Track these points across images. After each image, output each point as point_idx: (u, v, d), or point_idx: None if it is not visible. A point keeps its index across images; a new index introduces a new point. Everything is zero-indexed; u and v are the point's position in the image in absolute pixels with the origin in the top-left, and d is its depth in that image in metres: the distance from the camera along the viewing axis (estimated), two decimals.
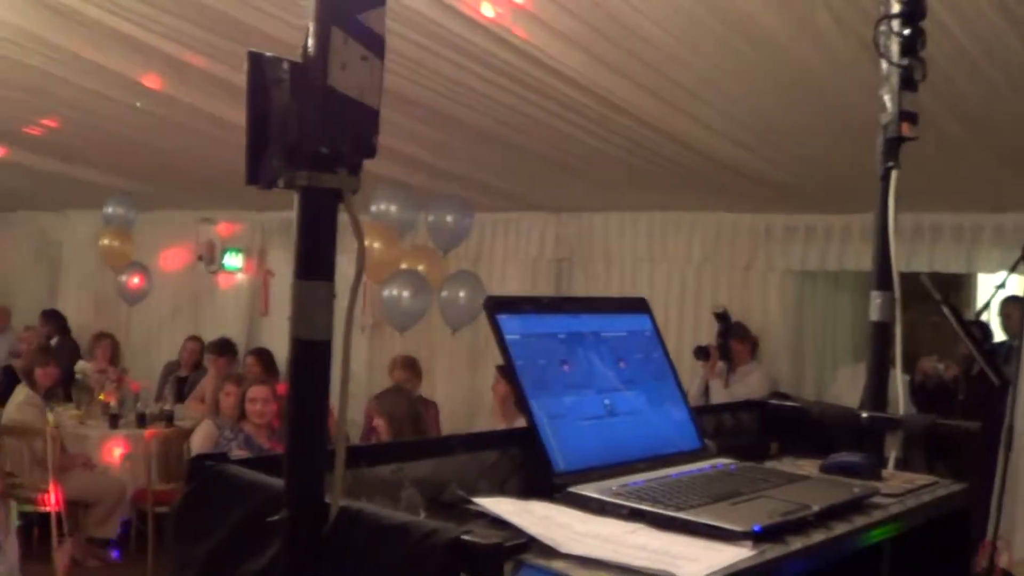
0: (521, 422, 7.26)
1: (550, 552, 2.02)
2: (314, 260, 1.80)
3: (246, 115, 1.81)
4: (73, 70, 7.94)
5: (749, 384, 9.66)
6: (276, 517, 1.80)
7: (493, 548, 1.68)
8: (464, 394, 11.38)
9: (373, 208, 9.18)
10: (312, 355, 1.80)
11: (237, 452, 8.24)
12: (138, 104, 8.49)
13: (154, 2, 6.44)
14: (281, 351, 11.23)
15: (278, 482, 1.89)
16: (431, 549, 1.68)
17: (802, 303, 10.36)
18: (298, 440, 1.79)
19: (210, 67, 7.36)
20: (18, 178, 12.78)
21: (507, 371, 2.60)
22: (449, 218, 9.78)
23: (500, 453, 2.63)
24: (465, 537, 1.68)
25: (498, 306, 2.66)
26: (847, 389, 9.17)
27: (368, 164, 1.85)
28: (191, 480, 2.07)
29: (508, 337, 2.63)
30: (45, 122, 9.80)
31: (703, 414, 3.27)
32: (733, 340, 9.83)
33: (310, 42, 1.75)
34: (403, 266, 9.55)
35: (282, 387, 9.27)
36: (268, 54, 1.82)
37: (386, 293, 9.26)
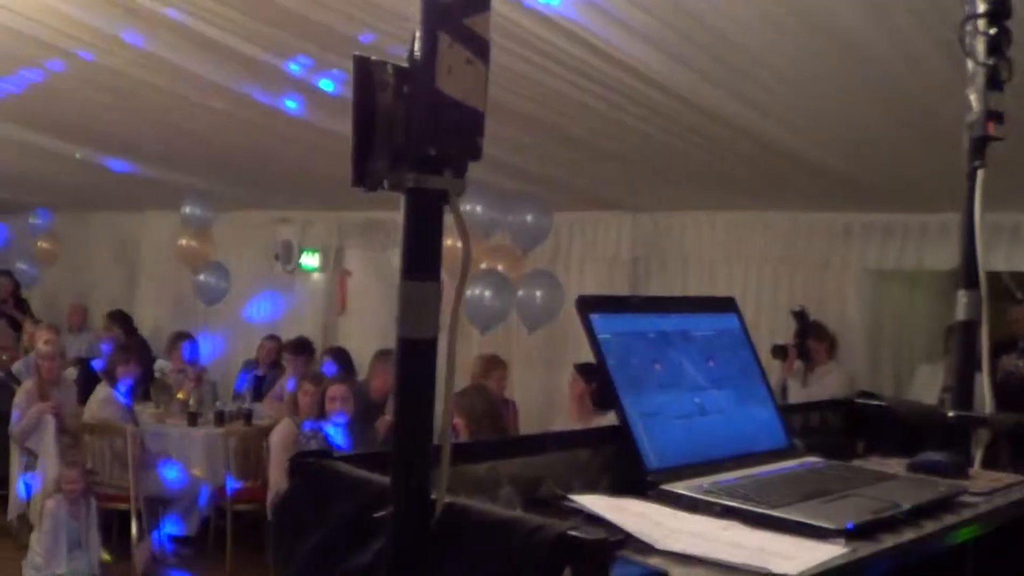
0: (597, 422, 7.32)
1: (647, 548, 2.04)
2: (421, 260, 1.82)
3: (352, 118, 1.84)
4: (152, 71, 8.01)
5: (827, 384, 9.60)
6: (382, 513, 1.82)
7: (599, 544, 1.69)
8: (540, 393, 11.39)
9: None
10: (418, 353, 1.82)
11: (315, 450, 8.31)
12: (218, 106, 8.55)
13: (231, 3, 6.50)
14: (358, 350, 11.30)
15: (382, 478, 1.91)
16: (538, 545, 1.70)
17: (879, 302, 10.29)
18: (405, 437, 1.82)
19: (287, 67, 7.40)
20: (97, 179, 12.91)
21: (599, 370, 2.61)
22: (529, 218, 9.79)
23: (592, 451, 2.64)
24: (572, 532, 1.70)
25: (590, 305, 2.68)
26: (926, 388, 9.13)
27: None
28: (293, 476, 2.09)
29: (600, 336, 2.64)
30: (125, 123, 9.89)
31: (789, 413, 3.27)
32: (811, 339, 9.77)
33: (417, 46, 1.77)
34: (483, 266, 9.57)
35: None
36: (373, 58, 1.84)
37: (468, 293, 9.30)
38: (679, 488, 2.47)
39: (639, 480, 2.53)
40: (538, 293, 9.92)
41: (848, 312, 10.17)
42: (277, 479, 9.14)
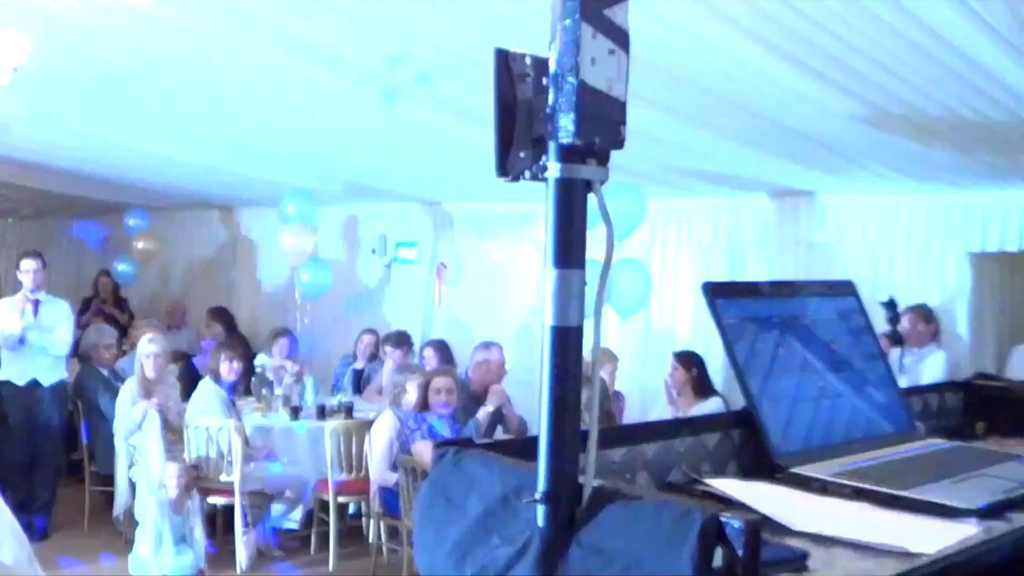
0: (698, 409, 7.33)
1: (783, 530, 2.06)
2: (567, 249, 1.84)
3: (494, 110, 1.86)
4: (255, 71, 8.09)
5: (929, 367, 9.53)
6: (531, 498, 1.85)
7: (751, 525, 1.71)
8: (635, 382, 11.37)
9: None
10: (566, 341, 1.84)
11: (420, 441, 8.37)
12: (313, 102, 8.62)
13: (329, 3, 6.54)
14: (456, 342, 11.35)
15: (527, 464, 1.94)
16: (689, 527, 1.72)
17: (980, 284, 10.17)
18: (554, 423, 1.84)
19: (381, 65, 7.44)
20: (194, 178, 13.05)
21: (727, 354, 2.63)
22: (623, 204, 9.75)
23: (721, 435, 2.66)
24: (723, 514, 1.72)
25: (716, 291, 2.70)
26: (1020, 371, 9.05)
27: None
28: (436, 464, 2.12)
29: (726, 321, 2.67)
30: (225, 123, 9.99)
31: (909, 395, 3.27)
32: (918, 321, 9.69)
33: (559, 38, 1.80)
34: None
35: None
36: (513, 50, 1.87)
37: None
38: (808, 471, 2.49)
39: (767, 464, 2.55)
40: (628, 282, 9.88)
41: (948, 295, 10.06)
42: (380, 471, 9.20)
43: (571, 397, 1.85)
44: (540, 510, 1.85)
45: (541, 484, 1.85)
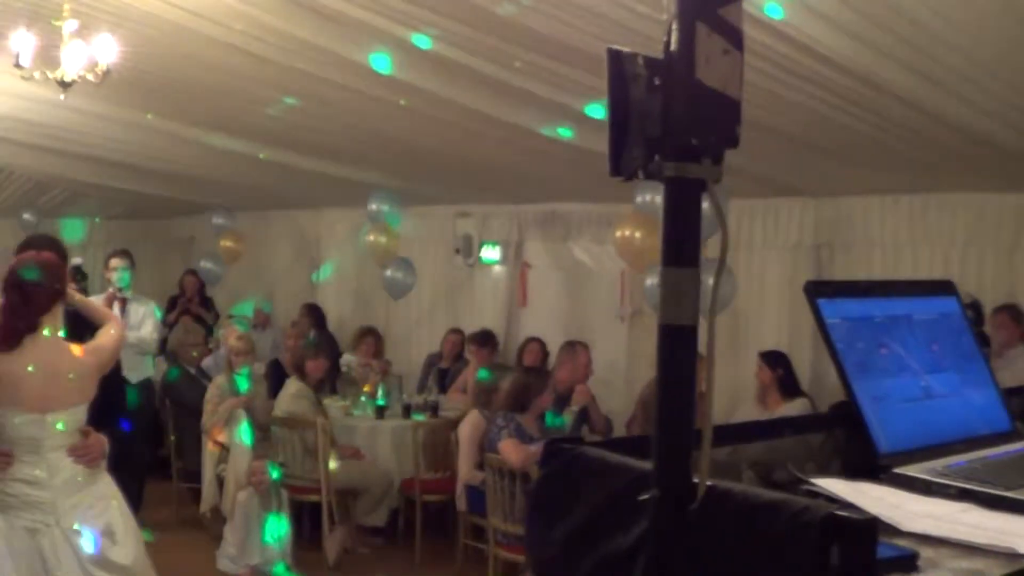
0: (784, 410, 7.28)
1: (891, 530, 2.05)
2: (681, 248, 1.85)
3: (608, 109, 1.87)
4: (338, 70, 8.14)
5: (1017, 368, 9.42)
6: (645, 496, 1.86)
7: (867, 524, 1.71)
8: (720, 382, 11.29)
9: (638, 199, 9.21)
10: (679, 339, 1.85)
11: (507, 440, 8.39)
12: (402, 102, 8.65)
13: (424, 2, 6.58)
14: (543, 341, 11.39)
15: (638, 463, 1.95)
16: (805, 525, 1.72)
17: None
18: (667, 421, 1.85)
19: (471, 62, 7.46)
20: (279, 178, 13.15)
21: (829, 354, 2.62)
22: (706, 205, 9.68)
23: (825, 435, 2.66)
24: (839, 513, 1.72)
25: (818, 290, 2.69)
26: None
27: None
28: (547, 462, 2.13)
29: (828, 321, 2.65)
30: (309, 123, 10.06)
31: (1009, 395, 3.25)
32: (1008, 321, 9.57)
33: (674, 37, 1.80)
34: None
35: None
36: (626, 50, 1.88)
37: (649, 282, 9.28)
38: (912, 471, 2.48)
39: (871, 463, 2.54)
40: (710, 281, 9.79)
41: None
42: (466, 470, 9.23)
43: (684, 396, 1.86)
44: (654, 508, 1.86)
45: (655, 482, 1.86)
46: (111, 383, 5.65)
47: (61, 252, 5.73)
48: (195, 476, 11.14)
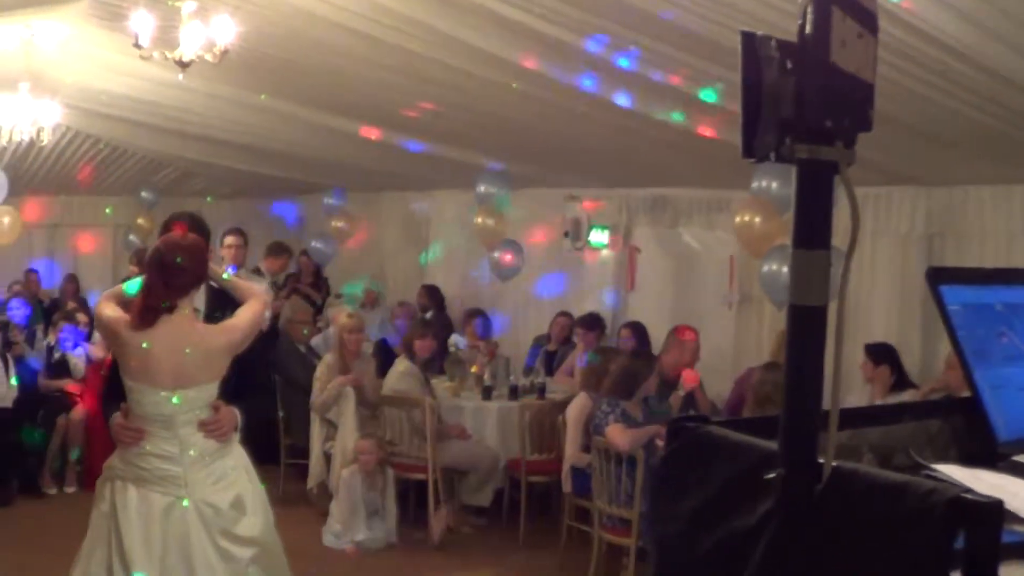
0: (895, 400, 7.15)
1: (1012, 517, 2.04)
2: (812, 230, 1.86)
3: (741, 92, 1.88)
4: (451, 52, 8.17)
5: None
6: (771, 475, 1.87)
7: (993, 507, 1.71)
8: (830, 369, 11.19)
9: (754, 185, 9.15)
10: (810, 321, 1.86)
11: (613, 425, 8.41)
12: (515, 85, 8.67)
13: None
14: (648, 326, 11.34)
15: (764, 443, 1.96)
16: (931, 507, 1.73)
17: None
18: (795, 402, 1.86)
19: (581, 43, 7.45)
20: (390, 160, 13.23)
21: (950, 341, 2.61)
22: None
23: (942, 422, 2.65)
24: (967, 496, 1.72)
25: (940, 276, 2.68)
26: None
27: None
28: (672, 440, 2.15)
29: (949, 307, 2.64)
30: (422, 104, 10.12)
31: None
32: None
33: (808, 21, 1.81)
34: (781, 242, 9.44)
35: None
36: (759, 33, 1.89)
37: (765, 268, 9.23)
38: None
39: (989, 451, 2.53)
40: (785, 269, 9.71)
41: None
42: (572, 452, 9.26)
43: (813, 377, 1.87)
44: (780, 487, 1.87)
45: (781, 461, 1.87)
46: (247, 359, 5.73)
47: (204, 231, 5.80)
48: (303, 453, 11.25)
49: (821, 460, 1.89)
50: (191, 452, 5.22)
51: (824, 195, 1.86)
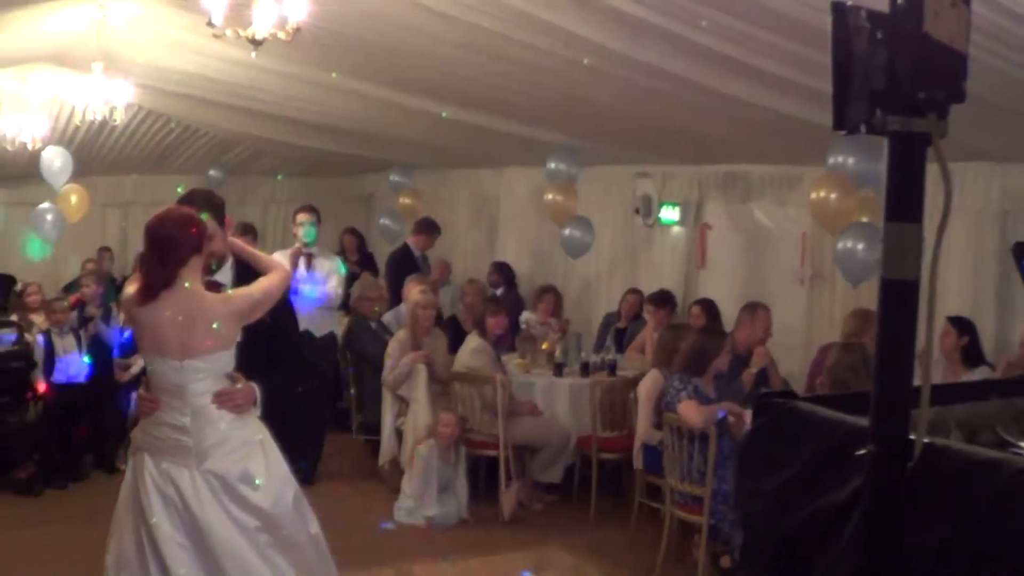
0: (965, 379, 7.09)
1: None
2: (905, 203, 1.84)
3: (832, 63, 1.86)
4: (521, 28, 8.14)
5: None
6: (862, 451, 1.85)
7: None
8: None
9: (831, 160, 9.06)
10: (902, 295, 1.84)
11: (686, 402, 8.38)
12: (585, 61, 8.63)
13: None
14: (720, 302, 11.29)
15: (853, 419, 1.94)
16: None
17: None
18: (886, 377, 1.84)
19: (653, 18, 7.40)
20: (460, 137, 13.23)
21: None
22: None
23: None
24: None
25: None
26: None
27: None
28: (759, 416, 2.14)
29: None
30: (492, 81, 10.09)
31: None
32: None
33: None
34: (858, 218, 9.35)
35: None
36: (849, 3, 1.86)
37: (840, 245, 9.15)
38: None
39: None
40: (860, 246, 9.54)
41: None
42: (644, 429, 9.23)
43: (905, 352, 1.85)
44: (871, 463, 1.85)
45: (872, 438, 1.86)
46: (279, 334, 5.77)
47: (217, 206, 5.82)
48: (375, 429, 11.29)
49: (911, 437, 1.86)
50: (203, 422, 5.26)
51: (917, 168, 1.84)
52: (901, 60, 1.75)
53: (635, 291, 12.61)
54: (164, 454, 5.28)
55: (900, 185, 1.81)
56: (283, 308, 5.90)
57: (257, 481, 5.29)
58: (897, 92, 1.77)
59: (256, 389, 5.48)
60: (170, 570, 5.13)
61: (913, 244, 1.80)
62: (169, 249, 5.25)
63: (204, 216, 5.45)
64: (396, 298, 12.96)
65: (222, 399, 5.29)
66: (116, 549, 5.39)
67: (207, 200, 5.85)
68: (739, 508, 2.16)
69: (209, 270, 5.67)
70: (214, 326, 5.26)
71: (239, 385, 5.36)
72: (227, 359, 5.35)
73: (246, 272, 5.79)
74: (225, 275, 5.84)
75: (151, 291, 5.27)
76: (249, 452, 5.34)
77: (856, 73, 1.83)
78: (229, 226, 5.97)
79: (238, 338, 5.39)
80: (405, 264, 14.35)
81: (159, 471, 5.25)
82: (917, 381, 1.87)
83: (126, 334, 12.06)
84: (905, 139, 1.78)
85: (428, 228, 14.45)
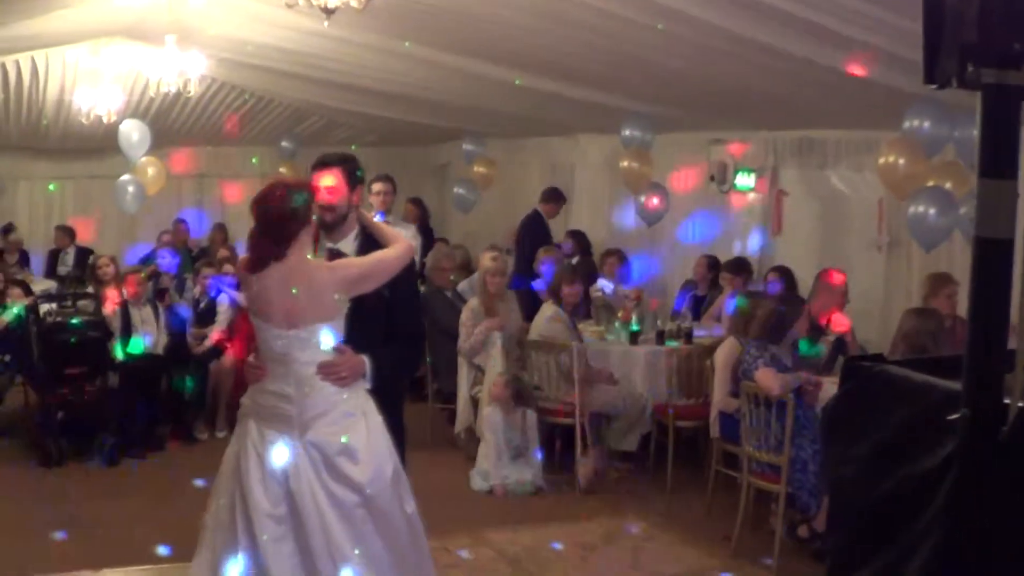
0: None
1: None
2: (999, 159, 1.78)
3: (923, 16, 1.80)
4: None
5: None
6: (954, 417, 1.80)
7: None
8: None
9: (906, 124, 8.93)
10: (996, 254, 1.78)
11: (763, 369, 8.31)
12: (660, 26, 8.56)
13: None
14: (796, 269, 11.18)
15: (946, 383, 1.89)
16: None
17: None
18: (979, 340, 1.79)
19: None
20: (533, 105, 13.18)
21: None
22: (976, 133, 9.28)
23: None
24: None
25: None
26: None
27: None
28: (846, 381, 2.09)
29: None
30: (566, 48, 10.03)
31: None
32: None
33: None
34: (930, 183, 9.21)
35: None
36: None
37: (911, 210, 9.02)
38: None
39: None
40: (931, 211, 9.42)
41: None
42: (721, 397, 9.17)
43: (999, 314, 1.80)
44: (963, 429, 1.80)
45: (965, 402, 1.80)
46: (397, 308, 5.73)
47: (352, 169, 5.82)
48: (450, 397, 11.31)
49: (1006, 401, 1.81)
50: (307, 392, 5.24)
51: (1012, 122, 1.77)
52: (995, 11, 1.69)
53: (708, 257, 12.55)
54: (268, 421, 5.29)
55: (994, 140, 1.75)
56: (405, 283, 5.85)
57: (358, 456, 5.27)
58: (990, 44, 1.71)
59: (365, 362, 5.45)
60: (256, 537, 5.15)
61: (1007, 201, 1.74)
62: (277, 225, 5.25)
63: (301, 198, 5.38)
64: (527, 265, 12.86)
65: (326, 371, 5.28)
66: (214, 509, 5.43)
67: (351, 164, 5.84)
68: (826, 474, 2.12)
69: (322, 227, 5.65)
70: (320, 296, 5.26)
71: (344, 357, 5.34)
72: (330, 331, 5.33)
73: (372, 245, 5.76)
74: (350, 246, 5.81)
75: (261, 263, 5.27)
76: (351, 425, 5.31)
77: (947, 26, 1.77)
78: (358, 197, 5.94)
79: (345, 309, 5.37)
80: (538, 232, 14.47)
81: (261, 438, 5.27)
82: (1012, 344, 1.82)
83: (202, 304, 12.16)
84: (999, 92, 1.72)
85: (556, 196, 14.52)
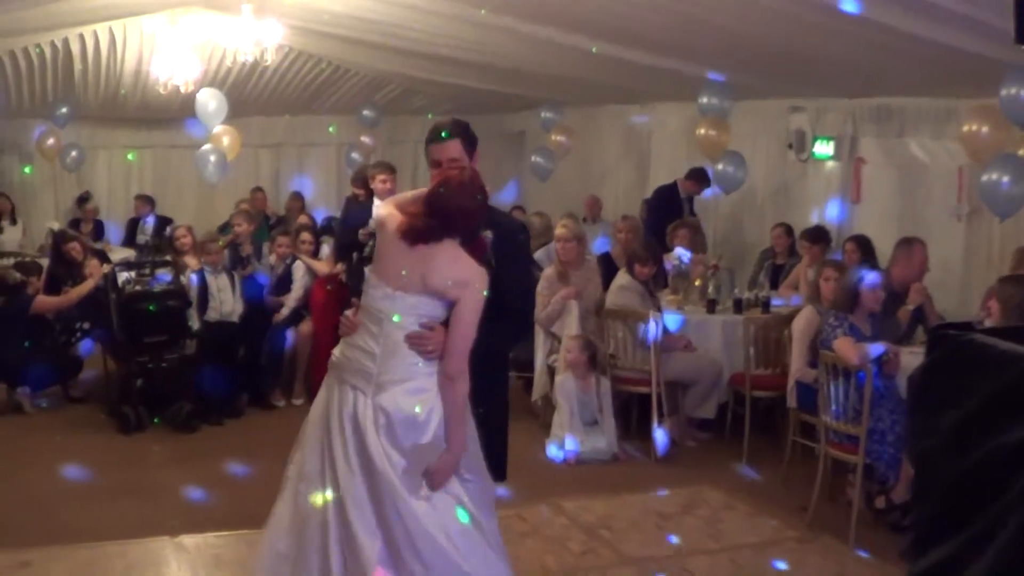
0: None
1: None
2: None
3: None
4: None
5: None
6: None
7: None
8: None
9: (1003, 92, 8.72)
10: None
11: (842, 338, 8.24)
12: None
13: None
14: (875, 238, 11.08)
15: None
16: None
17: None
18: None
19: None
20: (610, 73, 13.14)
21: None
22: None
23: None
24: None
25: None
26: None
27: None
28: (933, 349, 2.06)
29: None
30: (644, 15, 9.98)
31: None
32: None
33: None
34: (1021, 152, 9.07)
35: None
36: None
37: (985, 178, 8.90)
38: None
39: None
40: (1005, 179, 9.25)
41: None
42: (798, 367, 9.12)
43: None
44: None
45: None
46: (509, 289, 5.65)
47: (468, 136, 5.75)
48: (526, 365, 11.30)
49: None
50: (391, 354, 5.24)
51: None
52: None
53: (782, 225, 12.49)
54: (351, 375, 5.32)
55: None
56: (514, 260, 5.77)
57: (419, 428, 5.28)
58: None
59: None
60: (341, 489, 5.18)
61: None
62: (456, 220, 5.24)
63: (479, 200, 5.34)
64: (659, 237, 12.72)
65: (414, 340, 5.28)
66: (299, 460, 5.45)
67: (467, 133, 5.78)
68: (910, 446, 2.09)
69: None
70: (438, 272, 5.24)
71: (433, 332, 5.33)
72: (435, 309, 5.32)
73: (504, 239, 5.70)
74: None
75: (412, 239, 5.25)
76: (425, 399, 5.32)
77: None
78: (476, 161, 5.87)
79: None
80: (670, 204, 14.31)
81: (343, 391, 5.30)
82: None
83: (279, 272, 12.23)
84: None
85: (700, 178, 14.23)
